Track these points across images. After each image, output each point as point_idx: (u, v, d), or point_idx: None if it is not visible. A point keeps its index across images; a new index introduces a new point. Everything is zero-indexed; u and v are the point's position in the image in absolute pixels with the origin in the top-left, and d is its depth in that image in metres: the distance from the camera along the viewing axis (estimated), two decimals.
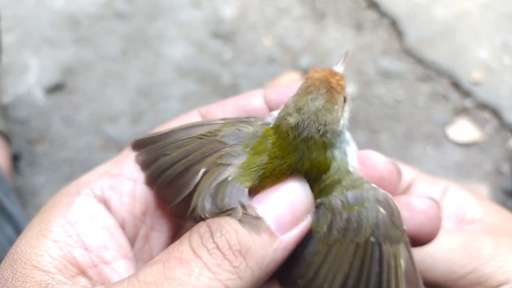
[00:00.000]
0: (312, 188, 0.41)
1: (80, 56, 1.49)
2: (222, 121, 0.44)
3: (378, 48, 1.50)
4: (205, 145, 0.43)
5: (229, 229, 0.37)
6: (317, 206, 0.42)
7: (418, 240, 0.44)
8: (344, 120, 0.43)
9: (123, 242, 0.45)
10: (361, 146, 0.45)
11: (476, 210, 0.56)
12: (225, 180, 0.41)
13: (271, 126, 0.43)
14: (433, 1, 1.56)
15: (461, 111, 1.39)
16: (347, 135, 0.44)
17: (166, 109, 1.40)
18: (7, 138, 1.22)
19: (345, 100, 0.43)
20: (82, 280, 0.41)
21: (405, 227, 0.41)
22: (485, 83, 1.42)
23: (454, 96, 1.41)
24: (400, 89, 1.43)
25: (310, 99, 0.41)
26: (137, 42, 1.52)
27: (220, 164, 0.41)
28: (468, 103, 1.40)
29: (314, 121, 0.41)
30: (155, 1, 1.59)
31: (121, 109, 1.41)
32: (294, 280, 0.41)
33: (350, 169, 0.42)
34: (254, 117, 0.45)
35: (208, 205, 0.40)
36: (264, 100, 0.49)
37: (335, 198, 0.41)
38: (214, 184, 0.41)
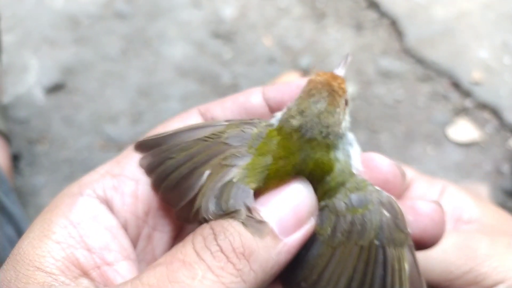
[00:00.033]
0: (316, 190, 0.42)
1: (80, 56, 1.49)
2: (226, 123, 0.44)
3: (378, 48, 1.50)
4: (210, 147, 0.43)
5: (232, 231, 0.37)
6: (321, 209, 0.42)
7: (422, 244, 0.44)
8: (345, 123, 0.43)
9: (126, 243, 0.44)
10: (361, 146, 0.45)
11: (473, 211, 0.56)
12: (230, 181, 0.41)
13: (275, 127, 0.43)
14: (433, 1, 1.56)
15: (461, 111, 1.39)
16: (350, 137, 0.44)
17: (166, 109, 1.40)
18: (7, 138, 1.21)
19: (346, 103, 0.43)
20: (84, 281, 0.41)
21: (409, 230, 0.41)
22: (485, 83, 1.42)
23: (454, 96, 1.42)
24: (400, 89, 1.43)
25: (313, 102, 0.42)
26: (137, 42, 1.52)
27: (224, 165, 0.41)
28: (468, 103, 1.40)
29: (316, 124, 0.41)
30: (155, 1, 1.59)
31: (121, 109, 1.41)
32: (298, 283, 0.41)
33: (354, 171, 0.43)
34: (258, 119, 0.45)
35: (212, 206, 0.40)
36: (263, 98, 0.49)
37: (339, 201, 0.41)
38: (219, 185, 0.41)
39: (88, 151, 1.35)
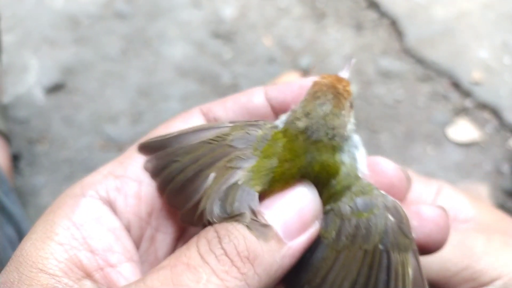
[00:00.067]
0: (321, 194, 0.42)
1: (80, 56, 1.49)
2: (231, 125, 0.44)
3: (378, 48, 1.50)
4: (215, 149, 0.43)
5: (237, 235, 0.37)
6: (326, 212, 0.42)
7: (427, 249, 0.44)
8: (351, 125, 0.43)
9: (129, 245, 0.44)
10: None
11: (469, 210, 0.57)
12: (235, 183, 0.40)
13: (280, 129, 0.43)
14: (433, 1, 1.56)
15: (461, 111, 1.39)
16: (356, 139, 0.44)
17: (166, 109, 1.40)
18: (7, 138, 1.21)
19: (351, 106, 0.44)
20: (88, 283, 0.41)
21: (413, 235, 0.41)
22: (485, 83, 1.42)
23: (454, 96, 1.42)
24: (400, 89, 1.43)
25: (318, 104, 0.42)
26: (137, 42, 1.52)
27: (229, 167, 0.41)
28: (468, 103, 1.40)
29: (322, 125, 0.41)
30: (155, 1, 1.59)
31: (121, 109, 1.41)
32: (301, 286, 0.41)
33: (359, 174, 0.43)
34: (263, 120, 0.45)
35: (216, 209, 0.40)
36: (265, 98, 0.49)
37: (344, 204, 0.41)
38: (223, 187, 0.41)
39: (88, 151, 1.35)
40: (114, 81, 1.45)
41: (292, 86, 0.48)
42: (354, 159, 0.43)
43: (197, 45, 1.51)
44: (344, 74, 0.45)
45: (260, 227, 0.38)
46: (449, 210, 0.55)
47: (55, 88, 1.43)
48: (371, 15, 1.56)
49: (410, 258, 0.41)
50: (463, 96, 1.41)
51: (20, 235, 0.94)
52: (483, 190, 1.29)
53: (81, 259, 0.41)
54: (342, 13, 1.57)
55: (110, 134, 1.37)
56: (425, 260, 0.49)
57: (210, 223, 0.40)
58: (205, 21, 1.55)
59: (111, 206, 0.45)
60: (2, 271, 0.41)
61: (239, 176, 0.41)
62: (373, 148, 1.34)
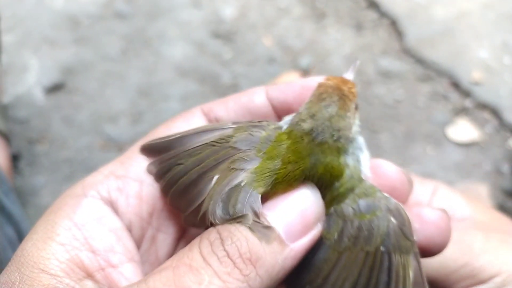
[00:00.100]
0: (324, 196, 0.41)
1: (80, 56, 1.49)
2: (234, 126, 0.44)
3: (378, 48, 1.50)
4: (218, 152, 0.43)
5: (239, 236, 0.37)
6: (329, 214, 0.42)
7: (428, 251, 0.44)
8: (356, 127, 0.43)
9: (130, 245, 0.44)
10: None
11: (465, 209, 0.58)
12: (238, 185, 0.40)
13: (283, 130, 0.43)
14: (433, 1, 1.56)
15: (461, 111, 1.39)
16: (360, 141, 0.44)
17: (166, 109, 1.40)
18: (7, 138, 1.21)
19: (356, 108, 0.43)
20: (89, 283, 0.41)
21: (415, 237, 0.41)
22: (485, 83, 1.42)
23: (454, 96, 1.42)
24: (400, 89, 1.43)
25: (324, 106, 0.42)
26: (137, 42, 1.52)
27: (232, 169, 0.41)
28: (468, 103, 1.40)
29: (328, 127, 0.41)
30: (155, 1, 1.59)
31: (121, 109, 1.41)
32: (303, 286, 0.41)
33: (363, 177, 0.43)
34: (267, 121, 0.45)
35: (219, 210, 0.40)
36: (266, 98, 0.49)
37: (347, 206, 0.41)
38: (226, 189, 0.40)
39: (88, 151, 1.35)
40: (114, 81, 1.45)
41: (293, 86, 0.48)
42: (358, 161, 0.43)
43: (197, 45, 1.51)
44: (349, 76, 0.45)
45: (262, 229, 0.38)
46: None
47: (55, 88, 1.43)
48: (371, 15, 1.56)
49: (411, 260, 0.41)
50: (463, 96, 1.41)
51: (20, 235, 0.94)
52: (483, 190, 1.29)
53: (83, 260, 0.41)
54: (342, 13, 1.57)
55: (110, 134, 1.37)
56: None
57: (212, 225, 0.40)
58: (205, 21, 1.55)
59: (113, 206, 0.45)
60: (3, 271, 0.41)
61: (242, 177, 0.41)
62: (373, 148, 1.33)
